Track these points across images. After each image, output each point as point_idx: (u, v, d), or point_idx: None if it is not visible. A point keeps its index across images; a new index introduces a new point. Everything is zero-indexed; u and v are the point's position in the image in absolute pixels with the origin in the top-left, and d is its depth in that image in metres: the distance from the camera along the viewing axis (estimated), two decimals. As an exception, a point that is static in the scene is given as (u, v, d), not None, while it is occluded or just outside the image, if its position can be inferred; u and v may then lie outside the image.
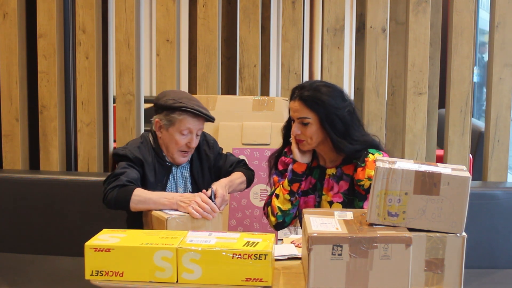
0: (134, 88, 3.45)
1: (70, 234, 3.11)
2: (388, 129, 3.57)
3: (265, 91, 3.86)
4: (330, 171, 2.41)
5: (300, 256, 2.14)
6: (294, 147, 2.38)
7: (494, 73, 3.32)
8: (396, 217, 1.86)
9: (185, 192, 2.59)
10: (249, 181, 2.69)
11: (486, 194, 3.09)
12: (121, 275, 1.87)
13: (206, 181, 2.62)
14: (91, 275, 1.88)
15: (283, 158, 2.48)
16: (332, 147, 2.34)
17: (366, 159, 2.28)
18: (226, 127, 3.23)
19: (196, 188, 2.59)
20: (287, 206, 2.40)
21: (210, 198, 2.33)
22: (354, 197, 2.36)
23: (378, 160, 1.91)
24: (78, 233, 2.41)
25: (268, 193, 2.54)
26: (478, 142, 4.11)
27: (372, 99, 3.41)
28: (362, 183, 2.29)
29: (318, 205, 2.42)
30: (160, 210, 2.30)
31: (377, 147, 2.35)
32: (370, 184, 1.95)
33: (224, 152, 2.76)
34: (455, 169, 1.88)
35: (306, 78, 5.84)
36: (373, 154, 2.29)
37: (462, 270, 1.84)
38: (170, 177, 2.58)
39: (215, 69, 3.46)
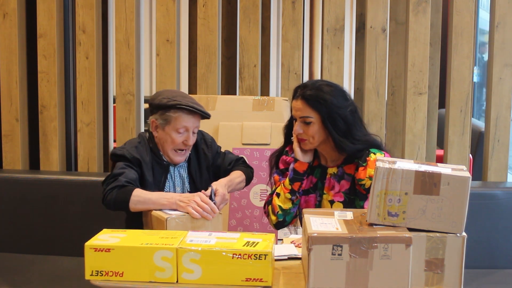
0: (134, 88, 3.45)
1: (70, 234, 3.11)
2: (388, 129, 3.58)
3: (265, 91, 3.86)
4: (332, 170, 2.41)
5: (300, 256, 2.14)
6: (296, 146, 2.38)
7: (494, 73, 3.32)
8: (396, 217, 1.86)
9: (183, 191, 2.59)
10: (249, 179, 2.69)
11: (486, 194, 3.09)
12: (121, 275, 1.87)
13: (204, 180, 2.61)
14: (91, 275, 1.88)
15: (284, 157, 2.49)
16: (333, 146, 2.34)
17: (367, 158, 2.28)
18: (226, 127, 3.23)
19: (194, 188, 2.59)
20: (288, 205, 2.41)
21: (210, 197, 2.33)
22: (355, 196, 2.36)
23: (378, 160, 1.91)
24: (78, 233, 2.40)
25: (268, 193, 2.54)
26: (478, 142, 4.11)
27: (372, 99, 3.41)
28: (363, 182, 2.29)
29: (319, 204, 2.42)
30: (160, 210, 2.30)
31: (379, 147, 2.36)
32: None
33: (223, 150, 2.76)
34: (455, 169, 1.88)
35: (306, 78, 5.84)
36: (374, 153, 2.29)
37: (462, 270, 1.84)
38: (168, 176, 2.58)
39: (215, 69, 3.46)
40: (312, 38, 6.33)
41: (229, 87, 3.83)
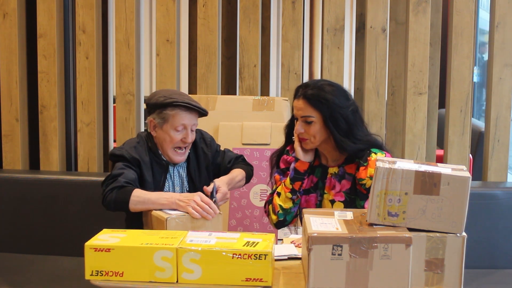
0: (134, 88, 3.45)
1: (70, 234, 3.11)
2: (388, 129, 3.58)
3: (265, 91, 3.86)
4: (332, 170, 2.41)
5: (300, 256, 2.14)
6: (297, 145, 2.38)
7: (494, 73, 3.32)
8: (396, 217, 1.86)
9: (182, 191, 2.59)
10: (249, 177, 2.69)
11: (486, 194, 3.09)
12: (121, 275, 1.87)
13: (203, 180, 2.61)
14: (91, 275, 1.88)
15: (285, 156, 2.49)
16: (335, 146, 2.34)
17: (368, 158, 2.29)
18: (226, 127, 3.23)
19: (193, 187, 2.59)
20: (288, 205, 2.41)
21: (211, 193, 2.34)
22: (356, 196, 2.36)
23: (378, 160, 1.91)
24: (78, 233, 2.40)
25: (269, 193, 2.54)
26: (478, 142, 4.11)
27: (372, 99, 3.41)
28: (364, 182, 2.29)
29: (319, 204, 2.42)
30: (159, 210, 2.30)
31: (380, 147, 2.36)
32: (372, 184, 1.95)
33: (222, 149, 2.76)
34: (455, 169, 1.88)
35: (306, 78, 5.84)
36: (376, 153, 2.29)
37: (462, 270, 1.84)
38: (167, 176, 2.58)
39: (215, 69, 3.46)
40: (312, 38, 6.33)
41: (229, 87, 3.83)
